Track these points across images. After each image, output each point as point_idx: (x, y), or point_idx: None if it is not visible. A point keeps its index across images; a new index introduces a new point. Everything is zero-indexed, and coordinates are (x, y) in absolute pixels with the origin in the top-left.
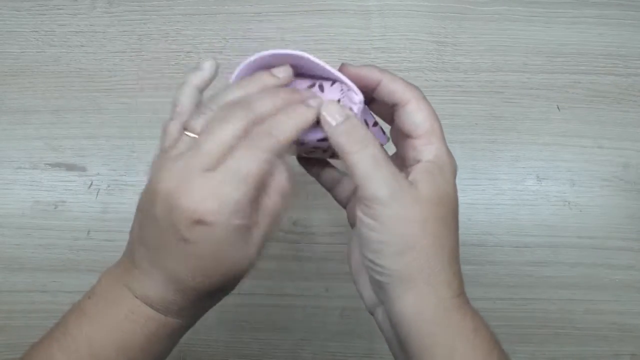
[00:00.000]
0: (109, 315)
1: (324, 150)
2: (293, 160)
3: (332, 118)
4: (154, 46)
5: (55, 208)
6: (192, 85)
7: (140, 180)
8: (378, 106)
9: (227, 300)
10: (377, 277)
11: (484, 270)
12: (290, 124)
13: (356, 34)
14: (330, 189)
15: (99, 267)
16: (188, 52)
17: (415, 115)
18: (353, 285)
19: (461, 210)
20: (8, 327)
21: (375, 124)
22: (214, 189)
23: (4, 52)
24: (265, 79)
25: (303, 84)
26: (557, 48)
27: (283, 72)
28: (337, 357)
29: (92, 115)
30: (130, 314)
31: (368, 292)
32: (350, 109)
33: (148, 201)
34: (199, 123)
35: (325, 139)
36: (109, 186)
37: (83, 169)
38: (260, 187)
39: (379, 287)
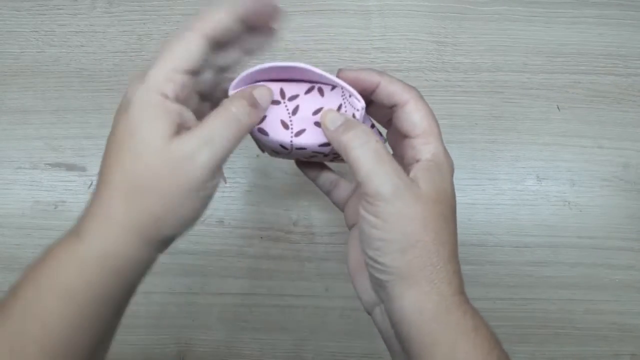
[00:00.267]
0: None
1: (325, 155)
2: (291, 163)
3: (332, 124)
4: (154, 46)
5: (55, 208)
6: (198, 33)
7: None
8: (375, 110)
9: (227, 300)
10: (378, 275)
11: (484, 270)
12: (228, 7)
13: (356, 34)
14: (328, 192)
15: None
16: None
17: (413, 115)
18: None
19: (461, 210)
20: None
21: (372, 126)
22: (136, 77)
23: (4, 52)
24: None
25: (301, 88)
26: (557, 48)
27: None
28: (337, 357)
29: (92, 115)
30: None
31: (367, 292)
32: (353, 115)
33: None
34: None
35: (326, 144)
36: None
37: (83, 169)
38: (191, 72)
39: (379, 286)
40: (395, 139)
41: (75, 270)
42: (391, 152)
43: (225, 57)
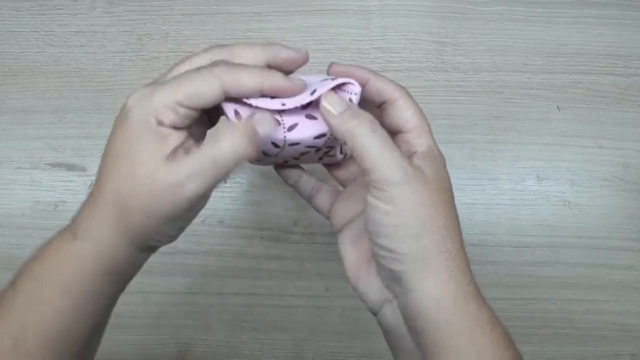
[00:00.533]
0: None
1: (317, 150)
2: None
3: (333, 107)
4: (154, 46)
5: (55, 208)
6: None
7: None
8: (364, 108)
9: (227, 300)
10: (392, 265)
11: (484, 270)
12: (255, 76)
13: (356, 34)
14: (309, 197)
15: None
16: (188, 52)
17: (405, 112)
18: None
19: (461, 210)
20: None
21: None
22: (146, 89)
23: (4, 52)
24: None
25: None
26: (557, 48)
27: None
28: (337, 357)
29: (92, 115)
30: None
31: (373, 291)
32: (350, 100)
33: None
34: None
35: (321, 136)
36: None
37: (83, 169)
38: (196, 109)
39: (392, 279)
40: (392, 132)
41: (72, 267)
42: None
43: None
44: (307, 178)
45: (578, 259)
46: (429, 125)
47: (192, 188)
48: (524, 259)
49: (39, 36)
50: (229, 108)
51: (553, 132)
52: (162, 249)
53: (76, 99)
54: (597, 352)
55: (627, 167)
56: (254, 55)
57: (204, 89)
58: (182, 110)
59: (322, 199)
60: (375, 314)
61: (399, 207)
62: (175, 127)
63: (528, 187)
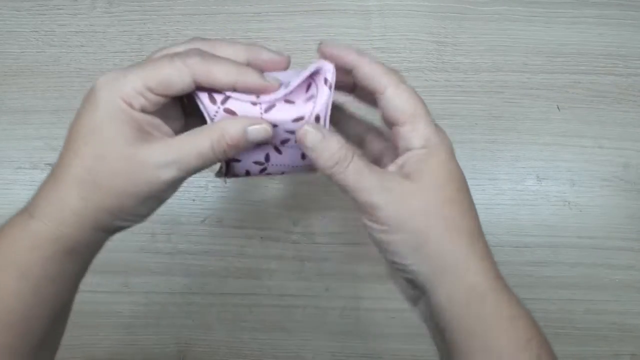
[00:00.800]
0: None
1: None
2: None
3: (310, 139)
4: (154, 46)
5: None
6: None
7: None
8: (362, 95)
9: (227, 300)
10: (405, 276)
11: None
12: (229, 72)
13: (356, 34)
14: (360, 141)
15: (99, 267)
16: None
17: (395, 101)
18: (353, 285)
19: None
20: None
21: (330, 87)
22: (117, 72)
23: (4, 52)
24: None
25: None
26: (557, 48)
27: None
28: (337, 357)
29: None
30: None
31: (406, 290)
32: (325, 79)
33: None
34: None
35: (299, 118)
36: None
37: None
38: (165, 97)
39: (412, 289)
40: (388, 125)
41: (30, 249)
42: (387, 142)
43: None
44: (356, 121)
45: (578, 259)
46: (425, 109)
47: (170, 174)
48: (524, 259)
49: (39, 36)
50: (203, 93)
51: (553, 132)
52: (162, 249)
53: (76, 99)
54: (597, 352)
55: (627, 167)
56: (235, 52)
57: (174, 78)
58: (151, 96)
59: (373, 145)
60: (414, 306)
61: (390, 225)
62: (145, 111)
63: (528, 187)
